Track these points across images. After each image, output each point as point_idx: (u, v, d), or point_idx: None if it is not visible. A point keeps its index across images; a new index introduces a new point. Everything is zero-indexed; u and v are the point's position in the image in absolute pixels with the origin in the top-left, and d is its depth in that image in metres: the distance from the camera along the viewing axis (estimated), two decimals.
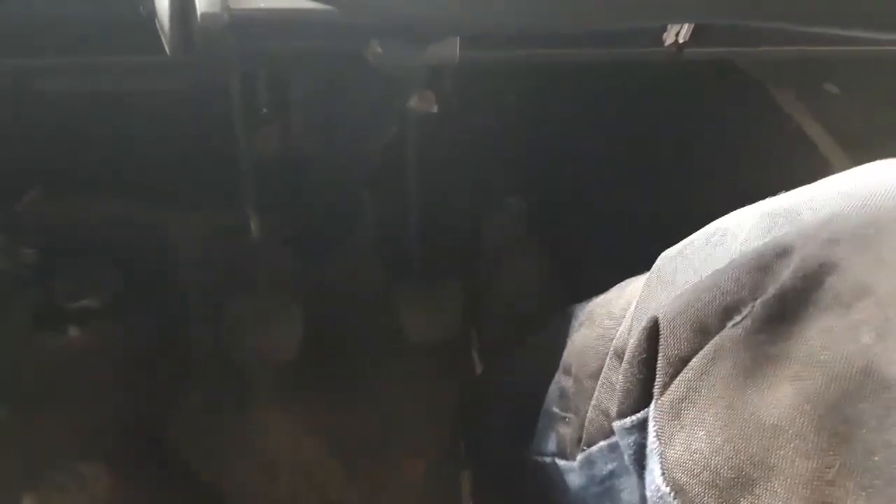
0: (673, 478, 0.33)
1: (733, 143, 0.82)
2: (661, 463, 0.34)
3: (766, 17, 0.39)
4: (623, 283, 0.49)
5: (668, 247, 0.40)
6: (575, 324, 0.53)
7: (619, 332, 0.42)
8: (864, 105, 0.80)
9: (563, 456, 0.49)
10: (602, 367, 0.43)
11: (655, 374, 0.35)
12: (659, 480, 0.34)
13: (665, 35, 0.56)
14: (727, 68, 0.76)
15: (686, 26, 0.55)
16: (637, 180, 0.91)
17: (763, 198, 0.38)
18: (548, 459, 0.51)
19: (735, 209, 0.39)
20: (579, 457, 0.45)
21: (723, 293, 0.33)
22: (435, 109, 0.56)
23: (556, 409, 0.51)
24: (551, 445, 0.51)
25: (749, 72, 0.77)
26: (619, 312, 0.45)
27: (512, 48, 0.58)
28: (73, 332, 0.83)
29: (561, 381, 0.51)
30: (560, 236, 0.94)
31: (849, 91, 0.79)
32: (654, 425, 0.35)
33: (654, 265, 0.40)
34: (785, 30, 0.39)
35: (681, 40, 0.56)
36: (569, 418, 0.48)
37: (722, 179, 0.80)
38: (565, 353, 0.51)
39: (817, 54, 0.65)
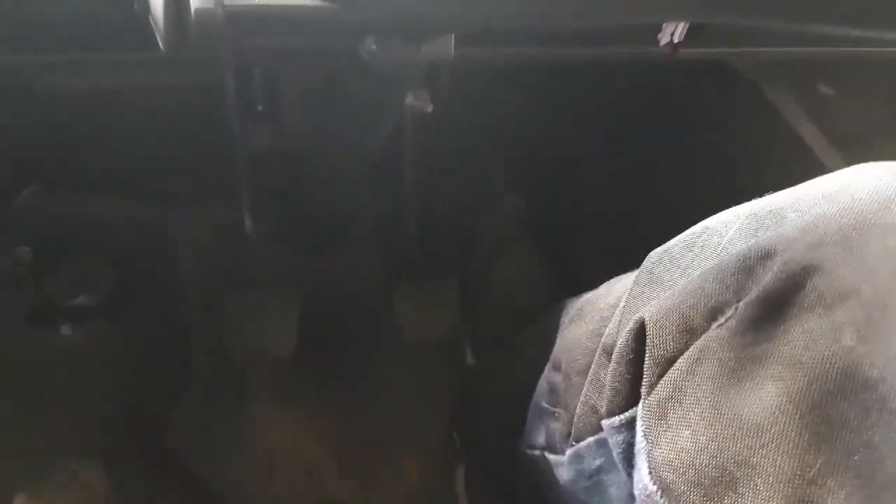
0: (660, 477, 0.33)
1: (727, 142, 0.82)
2: (648, 462, 0.34)
3: (761, 16, 0.39)
4: (613, 280, 0.49)
5: (661, 244, 0.41)
6: (565, 319, 0.53)
7: (607, 330, 0.42)
8: (858, 105, 0.80)
9: (553, 450, 0.49)
10: (591, 364, 0.43)
11: (643, 374, 0.36)
12: (647, 479, 0.34)
13: (660, 35, 0.56)
14: (722, 68, 0.76)
15: (681, 26, 0.55)
16: (631, 178, 0.91)
17: (756, 197, 0.38)
18: (538, 453, 0.52)
19: (728, 208, 0.39)
20: (568, 451, 0.46)
21: (708, 295, 0.34)
22: (430, 107, 0.56)
23: (545, 404, 0.51)
24: (541, 439, 0.51)
25: (743, 72, 0.78)
26: (608, 309, 0.45)
27: (506, 46, 0.58)
28: (70, 330, 0.82)
29: (551, 376, 0.51)
30: (555, 233, 0.94)
31: (842, 91, 0.79)
32: (642, 425, 0.35)
33: (643, 264, 0.41)
34: (779, 30, 0.39)
35: (676, 40, 0.56)
36: (558, 413, 0.49)
37: (715, 178, 0.81)
38: (555, 349, 0.52)
39: (811, 55, 0.65)
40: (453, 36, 0.48)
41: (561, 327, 0.53)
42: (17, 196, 0.85)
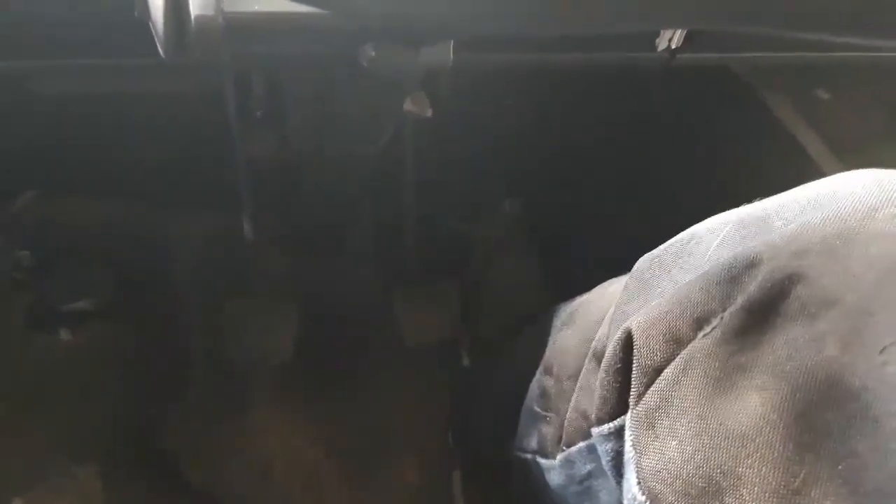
0: (648, 487, 0.33)
1: (725, 147, 0.83)
2: (636, 472, 0.34)
3: (758, 24, 0.40)
4: (604, 284, 0.50)
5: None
6: (558, 324, 0.53)
7: (597, 336, 0.42)
8: (855, 110, 0.80)
9: (545, 454, 0.49)
10: (582, 369, 0.43)
11: (631, 384, 0.36)
12: (635, 489, 0.34)
13: (658, 40, 0.56)
14: (719, 73, 0.77)
15: (679, 32, 0.55)
16: (628, 183, 0.91)
17: (753, 201, 0.38)
18: (529, 457, 0.52)
19: (725, 212, 0.39)
20: (559, 456, 0.46)
21: (694, 304, 0.34)
22: (429, 113, 0.56)
23: (537, 409, 0.51)
24: (533, 443, 0.52)
25: (741, 77, 0.78)
26: (599, 314, 0.46)
27: (505, 52, 0.59)
28: (68, 334, 0.83)
29: (542, 380, 0.51)
30: (552, 238, 0.94)
31: (840, 96, 0.79)
32: (630, 435, 0.35)
33: (633, 270, 0.41)
34: (777, 36, 0.39)
35: (673, 45, 0.56)
36: (549, 417, 0.49)
37: (713, 183, 0.81)
38: (547, 353, 0.52)
39: (809, 60, 0.66)
40: (452, 42, 0.48)
41: (553, 331, 0.53)
42: (16, 200, 0.86)
